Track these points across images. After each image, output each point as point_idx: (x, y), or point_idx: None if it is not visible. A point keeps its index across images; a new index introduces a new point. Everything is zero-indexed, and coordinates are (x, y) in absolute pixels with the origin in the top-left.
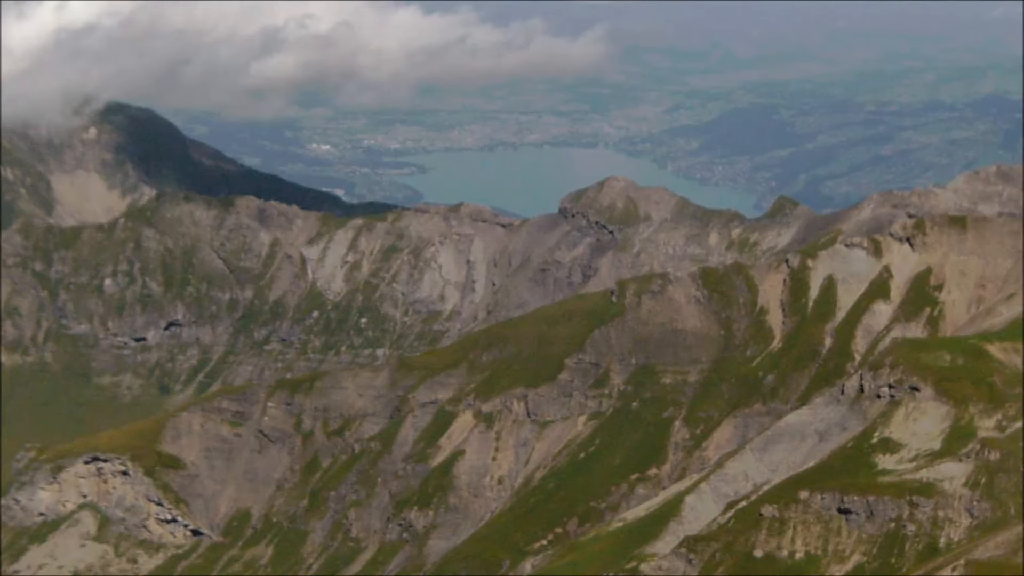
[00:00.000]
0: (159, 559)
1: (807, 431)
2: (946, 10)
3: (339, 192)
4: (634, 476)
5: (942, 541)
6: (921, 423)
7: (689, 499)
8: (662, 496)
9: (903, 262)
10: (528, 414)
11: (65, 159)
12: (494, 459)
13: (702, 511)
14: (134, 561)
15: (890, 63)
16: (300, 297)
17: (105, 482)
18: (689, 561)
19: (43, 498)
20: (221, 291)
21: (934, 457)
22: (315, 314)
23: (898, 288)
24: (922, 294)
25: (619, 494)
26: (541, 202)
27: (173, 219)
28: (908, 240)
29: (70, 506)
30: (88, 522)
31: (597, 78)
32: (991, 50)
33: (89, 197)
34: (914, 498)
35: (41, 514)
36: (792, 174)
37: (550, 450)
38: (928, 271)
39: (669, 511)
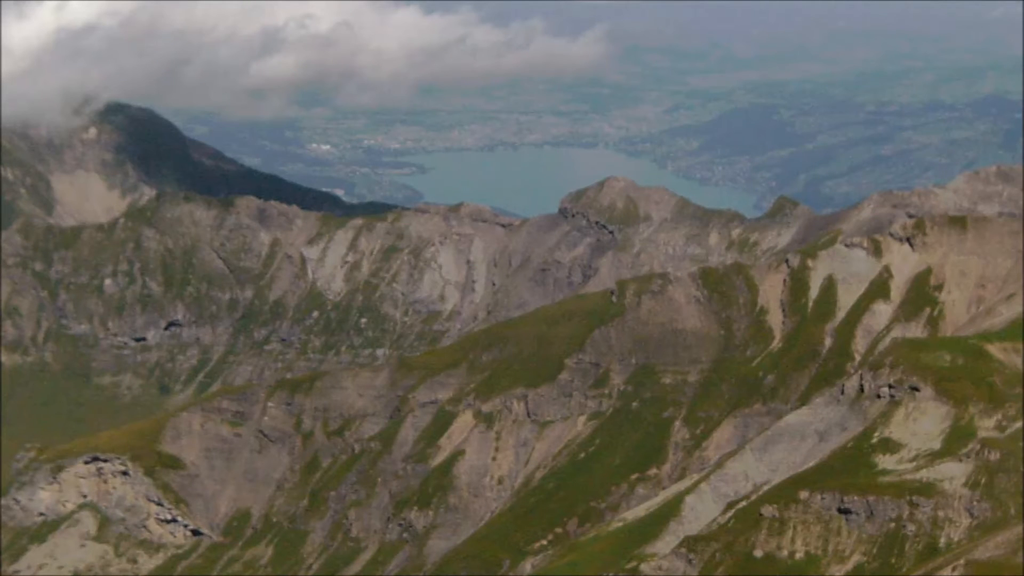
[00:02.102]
0: (159, 559)
1: (807, 431)
2: (946, 10)
3: (339, 192)
4: (634, 476)
5: (942, 541)
6: (921, 423)
7: (689, 499)
8: (662, 496)
9: (903, 262)
10: (528, 414)
11: (65, 159)
12: (494, 459)
13: (702, 511)
14: (134, 561)
15: (890, 63)
16: (300, 297)
17: (105, 482)
18: (689, 561)
19: (43, 498)
20: (221, 291)
21: (934, 457)
22: (315, 314)
23: (898, 288)
24: (922, 294)
25: (619, 494)
26: (541, 202)
27: (173, 219)
28: (908, 240)
29: (70, 506)
30: (88, 522)
31: (597, 78)
32: (991, 50)
33: (89, 197)
34: (914, 498)
35: (41, 514)
36: (792, 174)
37: (550, 450)
38: (928, 271)
39: (669, 511)
